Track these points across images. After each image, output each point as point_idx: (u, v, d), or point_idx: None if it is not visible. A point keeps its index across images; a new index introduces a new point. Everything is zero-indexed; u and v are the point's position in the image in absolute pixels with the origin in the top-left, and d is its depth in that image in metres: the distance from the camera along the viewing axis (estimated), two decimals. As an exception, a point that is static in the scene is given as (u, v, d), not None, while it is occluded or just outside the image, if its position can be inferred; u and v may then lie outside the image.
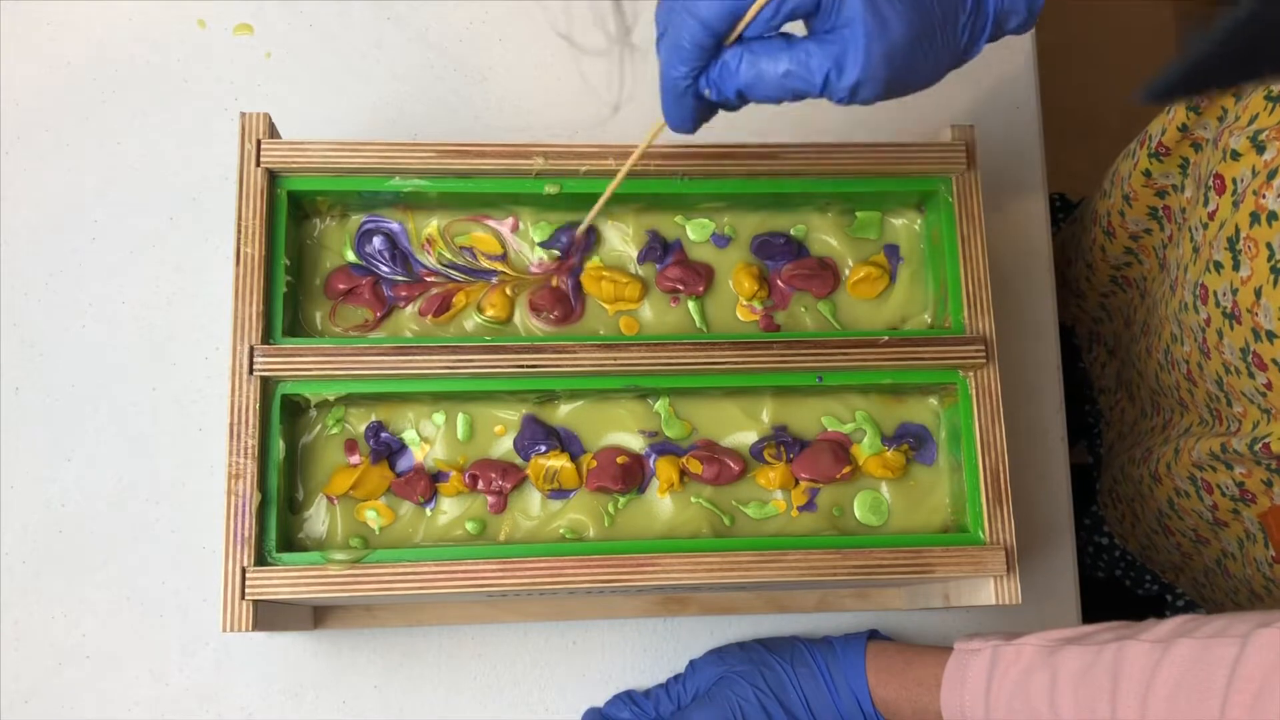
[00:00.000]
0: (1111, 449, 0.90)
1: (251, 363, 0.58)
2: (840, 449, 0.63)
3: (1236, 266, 0.60)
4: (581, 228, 0.63)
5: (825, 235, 0.67)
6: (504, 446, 0.63)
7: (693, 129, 0.52)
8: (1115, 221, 0.78)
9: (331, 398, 0.60)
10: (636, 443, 0.63)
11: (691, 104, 0.50)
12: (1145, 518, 0.82)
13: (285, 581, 0.56)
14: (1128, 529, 0.87)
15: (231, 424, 0.57)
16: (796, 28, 0.49)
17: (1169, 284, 0.70)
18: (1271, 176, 0.57)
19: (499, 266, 0.64)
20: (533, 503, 0.62)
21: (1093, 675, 0.53)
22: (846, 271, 0.66)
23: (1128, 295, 0.83)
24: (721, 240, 0.66)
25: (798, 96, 0.49)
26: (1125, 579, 0.92)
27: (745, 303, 0.65)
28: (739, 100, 0.50)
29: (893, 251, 0.67)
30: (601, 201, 0.59)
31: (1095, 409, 0.94)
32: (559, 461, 0.61)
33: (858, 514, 0.63)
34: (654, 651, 0.71)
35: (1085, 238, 0.84)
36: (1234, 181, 0.61)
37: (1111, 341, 0.88)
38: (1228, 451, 0.64)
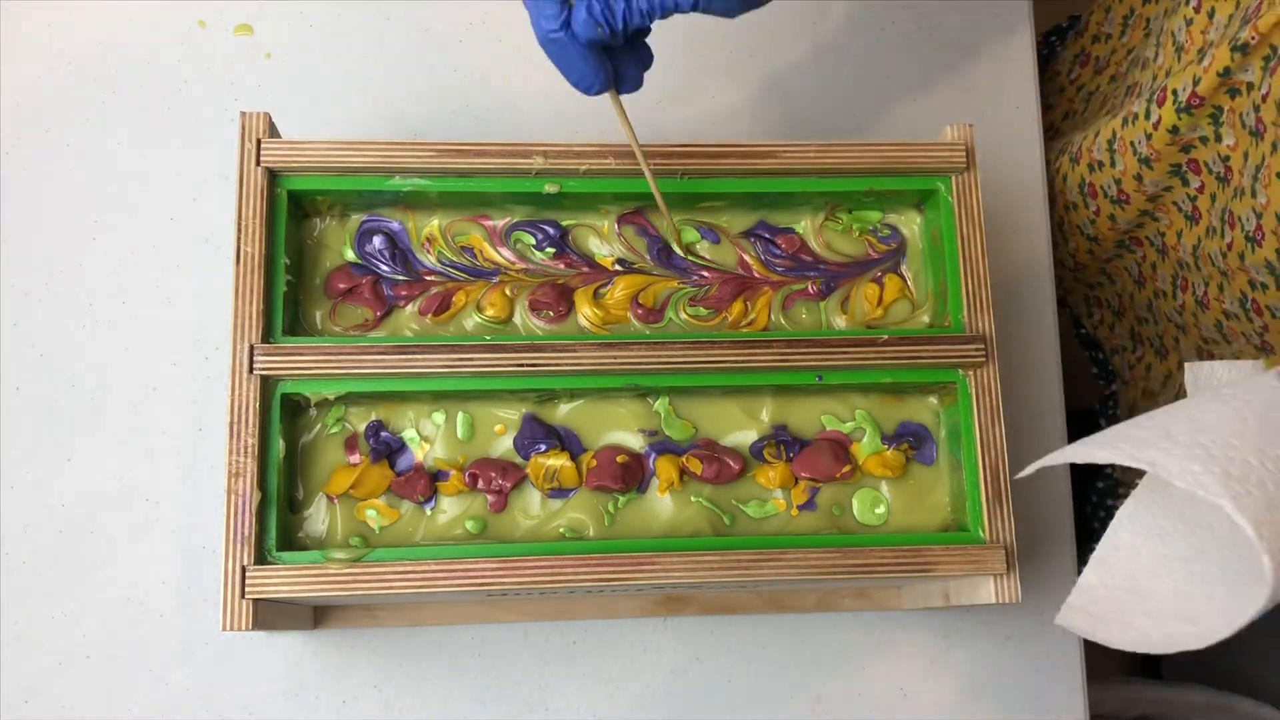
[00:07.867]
0: (1135, 407, 0.87)
1: (251, 362, 0.58)
2: (840, 448, 0.63)
3: None
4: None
5: (825, 235, 0.67)
6: (504, 445, 0.63)
7: (604, 82, 0.53)
8: (1130, 187, 0.75)
9: (331, 396, 0.60)
10: (636, 442, 0.63)
11: (584, 53, 0.51)
12: None
13: (285, 580, 0.56)
14: None
15: (231, 423, 0.57)
16: None
17: (1230, 233, 0.66)
18: None
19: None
20: (532, 502, 0.62)
21: None
22: (846, 271, 0.66)
23: (1136, 254, 0.80)
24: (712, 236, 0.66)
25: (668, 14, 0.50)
26: None
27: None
28: (641, 21, 0.51)
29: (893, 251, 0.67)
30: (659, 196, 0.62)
31: (1108, 371, 0.91)
32: (559, 460, 0.61)
33: (857, 513, 0.63)
34: (654, 651, 0.71)
35: (1080, 214, 0.81)
36: None
37: (1115, 302, 0.86)
38: None
